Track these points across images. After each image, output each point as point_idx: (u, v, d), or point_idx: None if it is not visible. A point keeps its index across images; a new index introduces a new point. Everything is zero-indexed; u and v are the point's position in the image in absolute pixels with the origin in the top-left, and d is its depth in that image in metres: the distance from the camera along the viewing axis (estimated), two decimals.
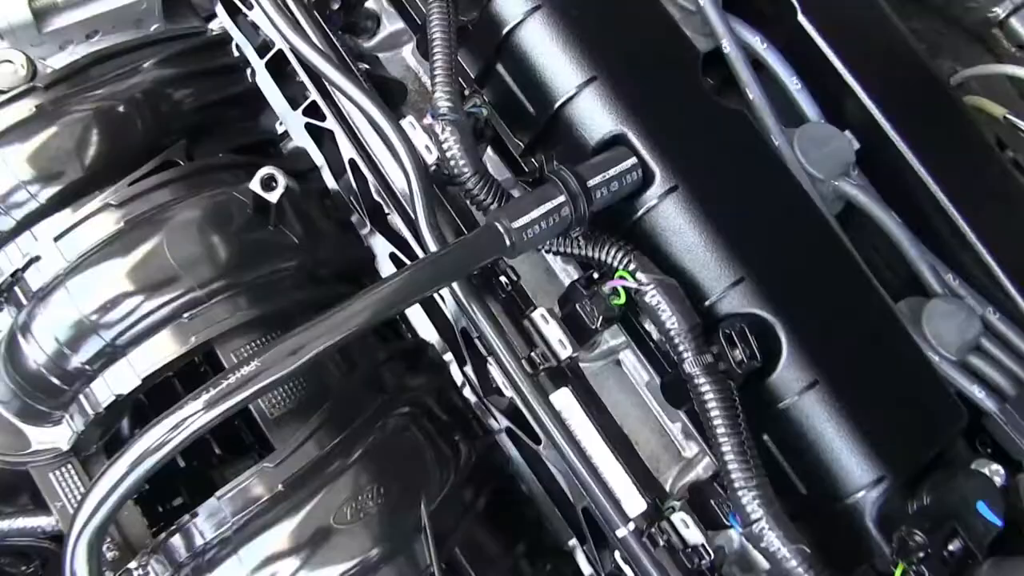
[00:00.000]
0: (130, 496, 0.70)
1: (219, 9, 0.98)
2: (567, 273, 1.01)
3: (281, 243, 0.86)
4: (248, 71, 1.02)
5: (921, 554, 0.79)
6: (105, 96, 0.92)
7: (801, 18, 1.05)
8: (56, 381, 0.82)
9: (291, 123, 0.94)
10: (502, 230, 0.80)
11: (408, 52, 1.10)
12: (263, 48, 0.97)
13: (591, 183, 0.85)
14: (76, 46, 1.09)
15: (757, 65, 1.05)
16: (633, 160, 0.89)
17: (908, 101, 1.06)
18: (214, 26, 1.07)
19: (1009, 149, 1.36)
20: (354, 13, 1.05)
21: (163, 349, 0.80)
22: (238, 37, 0.97)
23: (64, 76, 0.93)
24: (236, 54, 1.02)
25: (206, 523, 0.79)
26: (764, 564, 0.99)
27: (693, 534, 0.87)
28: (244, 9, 0.96)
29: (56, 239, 0.83)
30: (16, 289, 0.86)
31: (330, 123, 0.91)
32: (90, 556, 0.70)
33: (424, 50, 1.02)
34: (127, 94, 0.93)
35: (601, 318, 0.88)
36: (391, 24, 1.09)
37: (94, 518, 0.69)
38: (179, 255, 0.80)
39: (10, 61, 0.92)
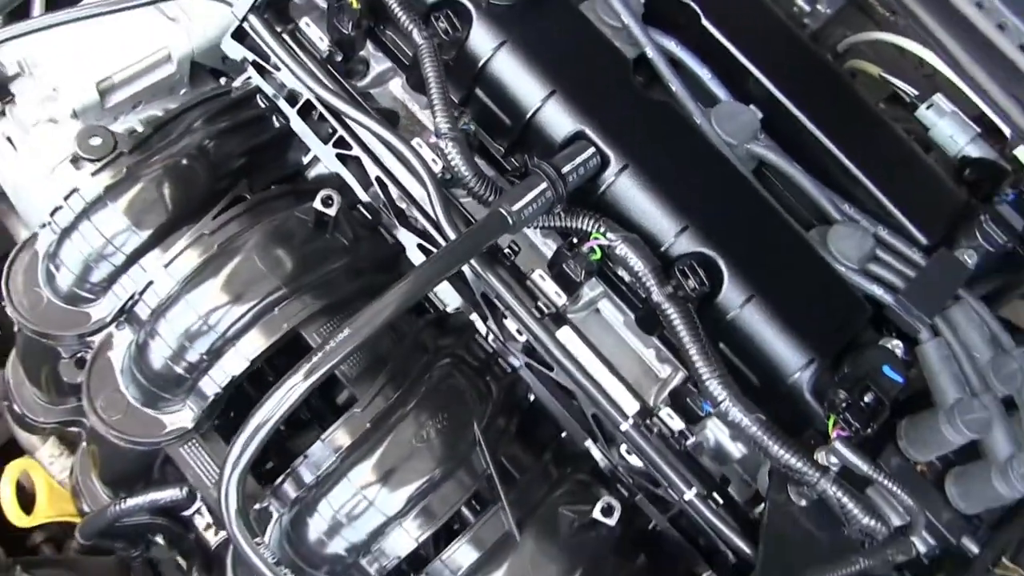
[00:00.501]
0: (262, 443, 0.95)
1: (251, 71, 1.23)
2: (547, 246, 1.27)
3: (336, 247, 1.11)
4: (273, 118, 1.27)
5: (844, 406, 1.07)
6: (172, 154, 1.17)
7: (704, 22, 1.33)
8: (181, 372, 1.06)
9: (324, 154, 1.20)
10: (504, 213, 1.07)
11: (394, 86, 1.36)
12: (291, 98, 1.22)
13: (564, 170, 1.12)
14: (127, 116, 1.34)
15: (675, 63, 1.33)
16: (592, 150, 1.16)
17: (795, 75, 1.35)
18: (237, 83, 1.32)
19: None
20: (350, 61, 1.30)
21: (262, 336, 1.05)
22: (271, 92, 1.23)
23: (140, 142, 1.18)
24: (263, 105, 1.27)
25: (314, 463, 1.04)
26: (736, 454, 1.26)
27: (677, 424, 1.14)
28: (272, 71, 1.21)
29: (165, 266, 1.08)
30: (135, 310, 1.10)
31: (355, 151, 1.17)
32: (238, 488, 0.95)
33: (413, 83, 1.28)
34: (187, 150, 1.18)
35: (584, 271, 1.15)
36: (378, 65, 1.34)
37: (241, 458, 0.94)
38: (265, 264, 1.06)
39: (97, 135, 1.16)
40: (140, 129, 1.25)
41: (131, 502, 1.16)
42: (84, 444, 1.27)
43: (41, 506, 1.26)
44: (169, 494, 1.17)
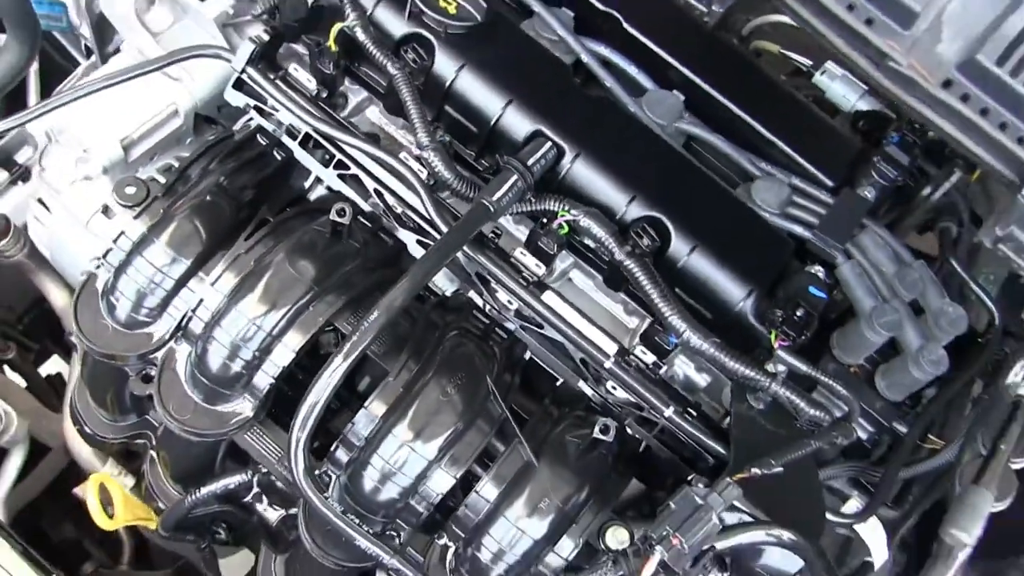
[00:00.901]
0: (320, 414, 1.16)
1: (254, 114, 1.44)
2: (520, 231, 1.50)
3: (350, 251, 1.33)
4: (274, 152, 1.48)
5: (781, 321, 1.32)
6: (197, 194, 1.37)
7: (626, 26, 1.58)
8: (238, 370, 1.27)
9: (327, 176, 1.41)
10: (487, 204, 1.29)
11: (371, 113, 1.57)
12: (291, 133, 1.44)
13: (529, 163, 1.35)
14: (145, 167, 1.54)
15: (606, 64, 1.58)
16: (549, 144, 1.39)
17: (707, 61, 1.60)
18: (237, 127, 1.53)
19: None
20: (333, 96, 1.52)
21: (303, 330, 1.27)
22: (271, 130, 1.44)
23: (168, 187, 1.38)
24: (264, 143, 1.48)
25: (361, 428, 1.26)
26: (702, 383, 1.50)
27: (650, 357, 1.38)
28: (271, 112, 1.43)
29: (212, 284, 1.29)
30: (190, 326, 1.31)
31: (353, 170, 1.39)
32: (305, 453, 1.16)
33: (390, 108, 1.51)
34: (208, 189, 1.38)
35: (556, 244, 1.38)
36: (355, 97, 1.56)
37: (305, 426, 1.15)
38: (296, 272, 1.27)
39: (132, 185, 1.37)
40: (158, 177, 1.46)
41: (204, 490, 1.37)
42: (152, 452, 1.47)
43: (119, 511, 1.45)
44: (236, 479, 1.37)
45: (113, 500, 1.45)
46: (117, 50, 1.78)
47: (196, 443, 1.35)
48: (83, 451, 1.61)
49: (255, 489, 1.46)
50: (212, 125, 1.62)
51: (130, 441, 1.48)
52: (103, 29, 1.73)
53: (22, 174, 1.77)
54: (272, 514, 1.47)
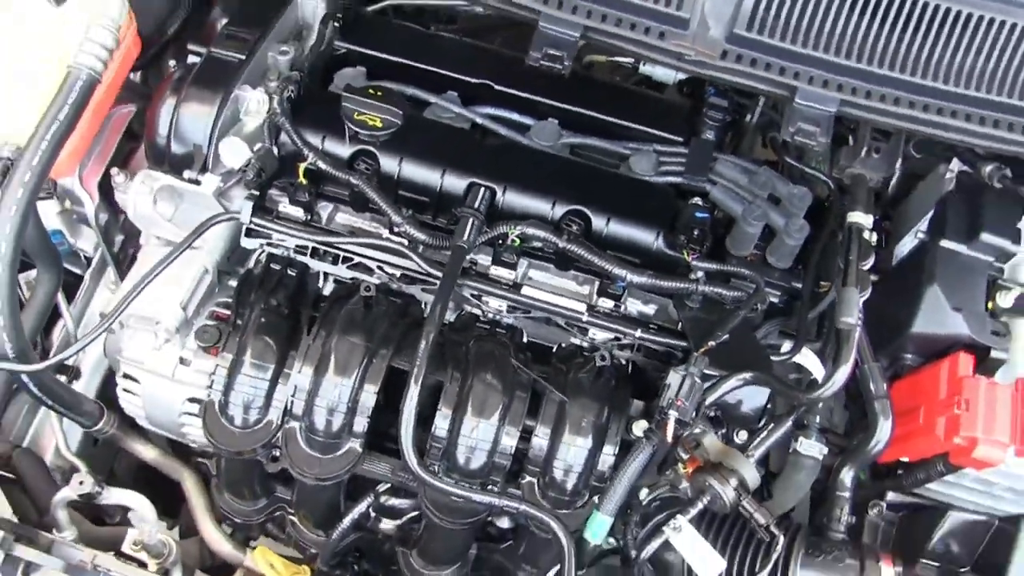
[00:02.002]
0: (415, 422, 1.64)
1: (267, 249, 1.91)
2: (485, 256, 1.99)
3: (381, 313, 1.81)
4: (287, 269, 1.95)
5: (686, 242, 1.85)
6: (254, 320, 1.82)
7: (497, 88, 2.10)
8: (341, 422, 1.74)
9: (339, 271, 1.89)
10: (462, 245, 1.79)
11: (341, 217, 2.02)
12: (299, 251, 1.91)
13: (476, 207, 1.85)
14: (198, 319, 1.99)
15: (496, 118, 2.09)
16: (483, 188, 1.87)
17: (562, 89, 2.11)
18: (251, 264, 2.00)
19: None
20: (313, 215, 2.00)
21: (375, 378, 1.73)
22: (280, 254, 1.91)
23: (233, 325, 1.84)
24: (277, 267, 1.94)
25: (442, 425, 1.73)
26: (651, 312, 2.02)
27: (609, 303, 1.89)
28: (279, 243, 1.90)
29: (299, 373, 1.76)
30: (293, 409, 1.77)
31: (357, 260, 1.88)
32: (414, 452, 1.63)
33: (359, 208, 1.98)
34: (260, 313, 1.82)
35: (515, 255, 1.88)
36: (324, 210, 2.04)
37: (408, 437, 1.62)
38: (354, 342, 1.74)
39: (207, 331, 1.82)
40: (209, 323, 1.92)
41: (346, 521, 1.83)
42: (291, 517, 1.92)
43: (281, 569, 1.89)
44: (363, 504, 1.84)
45: (274, 563, 1.89)
46: (124, 250, 2.25)
47: (325, 489, 1.81)
48: (224, 548, 2.04)
49: (373, 515, 1.93)
50: (227, 274, 2.08)
51: (271, 516, 1.92)
52: (110, 235, 2.19)
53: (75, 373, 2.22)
54: (390, 525, 1.93)
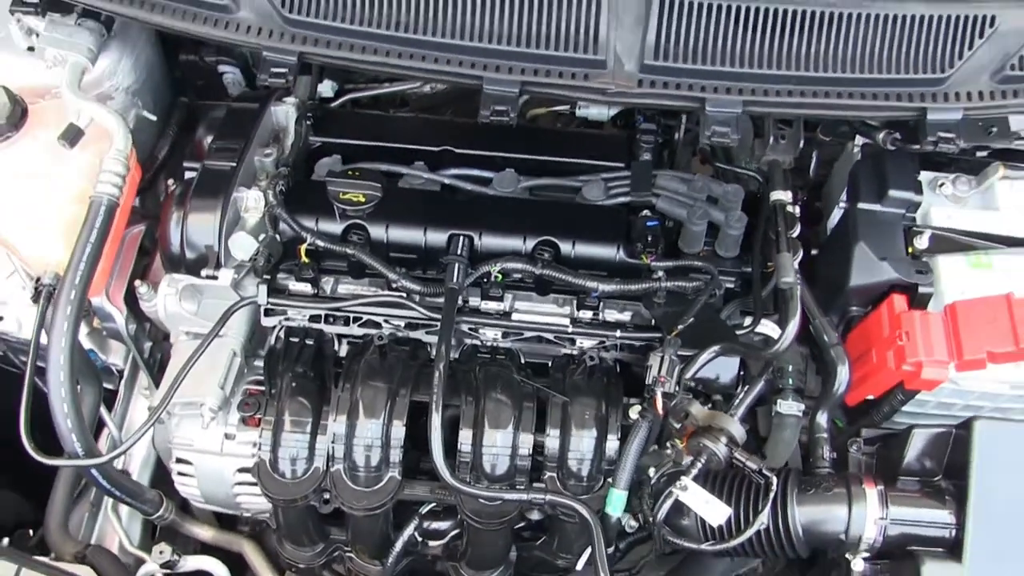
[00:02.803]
0: (443, 450, 1.89)
1: (285, 324, 2.18)
2: (474, 295, 2.26)
3: (395, 357, 2.08)
4: (304, 340, 2.21)
5: (642, 248, 2.14)
6: (286, 388, 2.09)
7: (457, 151, 2.40)
8: (377, 458, 1.99)
9: (352, 331, 2.16)
10: (454, 287, 2.06)
11: (342, 286, 2.31)
12: (314, 320, 2.18)
13: (459, 253, 2.13)
14: (232, 396, 2.23)
15: (462, 177, 2.38)
16: (462, 238, 2.14)
17: (513, 142, 2.42)
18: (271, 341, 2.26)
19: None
20: (318, 288, 2.26)
21: (401, 415, 1.99)
22: (299, 325, 2.17)
23: (268, 396, 2.09)
24: (297, 339, 2.20)
25: (465, 443, 1.99)
26: (627, 317, 2.29)
27: (588, 314, 2.16)
28: (294, 317, 2.17)
29: (334, 422, 2.00)
30: (334, 454, 2.02)
31: (366, 318, 2.14)
32: (447, 470, 1.88)
33: (356, 276, 2.26)
34: (290, 381, 2.10)
35: (500, 289, 2.16)
36: (327, 284, 2.31)
37: (440, 458, 1.87)
38: (378, 386, 2.00)
39: (249, 403, 2.07)
40: (246, 398, 2.17)
41: (397, 546, 2.06)
42: (348, 554, 2.14)
43: None
44: (412, 526, 2.08)
45: None
46: (152, 355, 2.51)
47: (375, 520, 2.04)
48: None
49: (420, 539, 2.16)
50: (251, 357, 2.33)
51: (331, 557, 2.15)
52: (139, 343, 2.44)
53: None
54: (436, 546, 2.17)
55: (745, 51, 1.87)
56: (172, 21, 1.98)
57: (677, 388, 1.88)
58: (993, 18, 1.85)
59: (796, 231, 2.05)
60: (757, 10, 1.85)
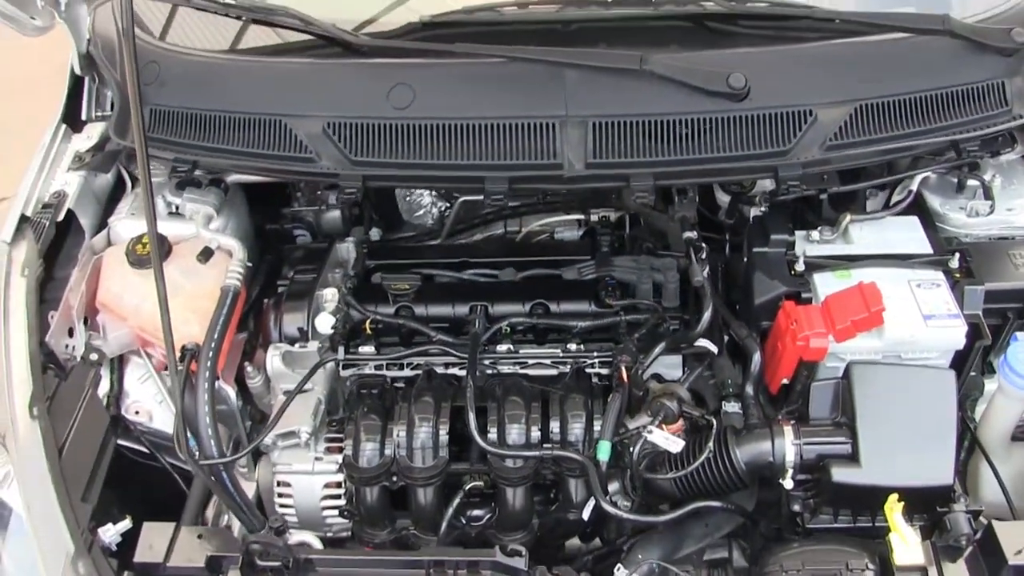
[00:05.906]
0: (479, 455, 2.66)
1: (355, 377, 3.00)
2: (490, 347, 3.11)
3: (438, 382, 2.89)
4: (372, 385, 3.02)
5: (603, 295, 3.02)
6: (362, 414, 2.89)
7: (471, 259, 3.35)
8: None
9: (405, 373, 2.98)
10: (476, 332, 2.92)
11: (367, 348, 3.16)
12: (379, 368, 3.00)
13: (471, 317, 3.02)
14: (319, 432, 3.00)
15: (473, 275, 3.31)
16: (480, 306, 3.06)
17: (508, 252, 3.37)
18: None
19: None
20: (380, 347, 3.11)
21: (445, 421, 2.78)
22: (368, 374, 3.00)
23: (348, 418, 2.88)
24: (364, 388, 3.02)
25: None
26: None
27: (574, 346, 3.00)
28: (364, 368, 3.00)
29: (401, 428, 2.78)
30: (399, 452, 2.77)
31: (415, 362, 2.97)
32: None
33: (406, 343, 3.11)
34: (364, 411, 2.91)
35: (510, 340, 3.01)
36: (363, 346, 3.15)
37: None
38: (427, 402, 2.80)
39: (331, 430, 2.85)
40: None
41: (448, 514, 2.75)
42: (414, 532, 2.84)
43: None
44: (457, 498, 2.79)
45: None
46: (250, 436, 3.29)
47: (431, 496, 2.76)
48: None
49: (464, 521, 2.87)
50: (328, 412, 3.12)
51: (398, 536, 2.85)
52: (243, 420, 3.24)
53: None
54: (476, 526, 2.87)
55: (652, 147, 2.86)
56: (278, 172, 3.01)
57: (633, 363, 2.70)
58: (812, 111, 2.86)
59: (703, 254, 2.97)
60: (657, 122, 2.86)
